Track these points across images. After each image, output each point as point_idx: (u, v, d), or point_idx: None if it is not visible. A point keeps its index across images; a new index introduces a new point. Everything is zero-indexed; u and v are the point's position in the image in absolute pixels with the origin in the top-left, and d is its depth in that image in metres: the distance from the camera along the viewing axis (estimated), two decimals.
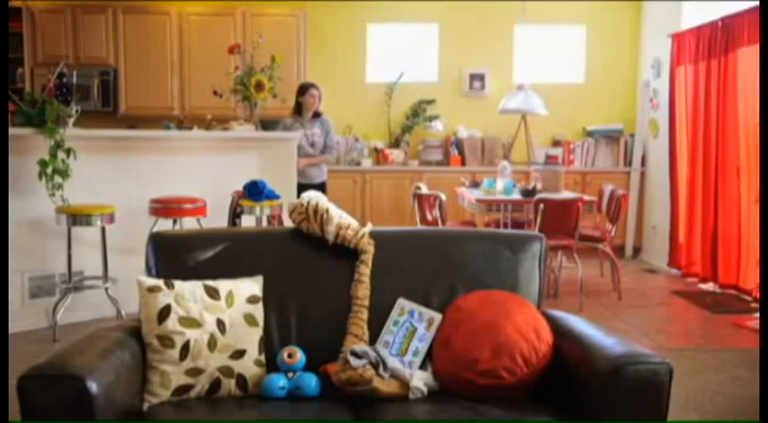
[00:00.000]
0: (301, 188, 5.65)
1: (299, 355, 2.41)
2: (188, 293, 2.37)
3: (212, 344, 2.32)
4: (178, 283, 2.39)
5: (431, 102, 8.09)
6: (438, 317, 2.53)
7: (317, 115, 6.26)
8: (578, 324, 2.47)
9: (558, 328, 2.44)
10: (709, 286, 6.32)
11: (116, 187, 5.07)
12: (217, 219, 4.97)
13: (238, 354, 2.36)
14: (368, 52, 8.20)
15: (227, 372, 2.34)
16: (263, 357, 2.42)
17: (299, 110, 6.23)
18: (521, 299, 2.55)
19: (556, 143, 8.21)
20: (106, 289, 4.89)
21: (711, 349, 4.60)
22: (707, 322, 5.33)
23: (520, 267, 2.68)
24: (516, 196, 6.03)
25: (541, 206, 5.50)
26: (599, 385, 2.10)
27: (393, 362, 2.41)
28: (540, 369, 2.32)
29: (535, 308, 2.56)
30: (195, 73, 7.67)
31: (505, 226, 5.95)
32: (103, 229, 4.83)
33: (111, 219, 4.76)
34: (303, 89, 6.23)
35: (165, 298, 2.33)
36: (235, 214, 4.84)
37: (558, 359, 2.35)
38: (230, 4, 7.79)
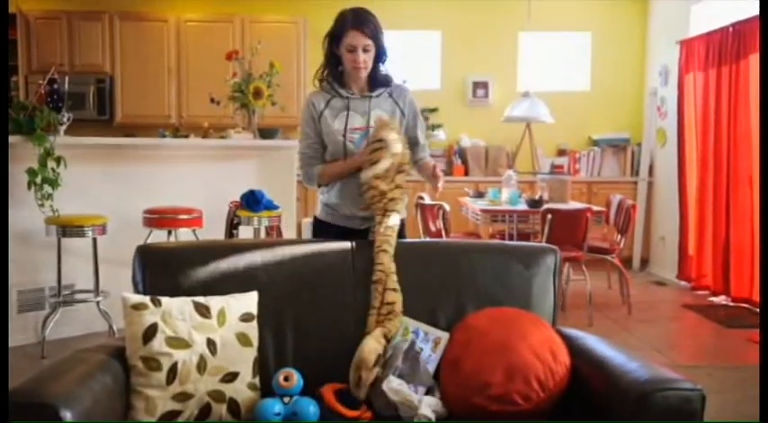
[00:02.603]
0: (323, 232, 2.85)
1: (297, 379, 2.23)
2: (176, 311, 2.20)
3: (202, 366, 2.15)
4: (166, 300, 2.22)
5: (433, 110, 7.93)
6: (445, 336, 2.35)
7: (380, 84, 2.86)
8: (597, 344, 2.30)
9: (574, 349, 2.27)
10: (721, 299, 6.14)
11: (109, 197, 4.92)
12: (213, 230, 4.81)
13: (230, 377, 2.19)
14: None
15: (217, 396, 2.17)
16: (257, 380, 2.25)
17: (336, 76, 2.90)
18: (534, 317, 2.38)
19: (561, 152, 8.06)
20: (98, 303, 4.71)
21: (728, 367, 4.42)
22: (721, 337, 5.15)
23: (533, 282, 2.51)
24: (522, 207, 5.87)
25: (549, 217, 5.33)
26: (623, 413, 1.93)
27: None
28: (557, 394, 2.14)
29: (550, 326, 2.38)
30: (193, 81, 7.53)
31: (511, 237, 5.79)
32: (95, 241, 4.65)
33: (104, 230, 4.60)
34: (337, 30, 2.93)
35: (151, 316, 2.16)
36: (232, 225, 4.69)
37: (576, 383, 2.17)
38: (229, 12, 7.66)
